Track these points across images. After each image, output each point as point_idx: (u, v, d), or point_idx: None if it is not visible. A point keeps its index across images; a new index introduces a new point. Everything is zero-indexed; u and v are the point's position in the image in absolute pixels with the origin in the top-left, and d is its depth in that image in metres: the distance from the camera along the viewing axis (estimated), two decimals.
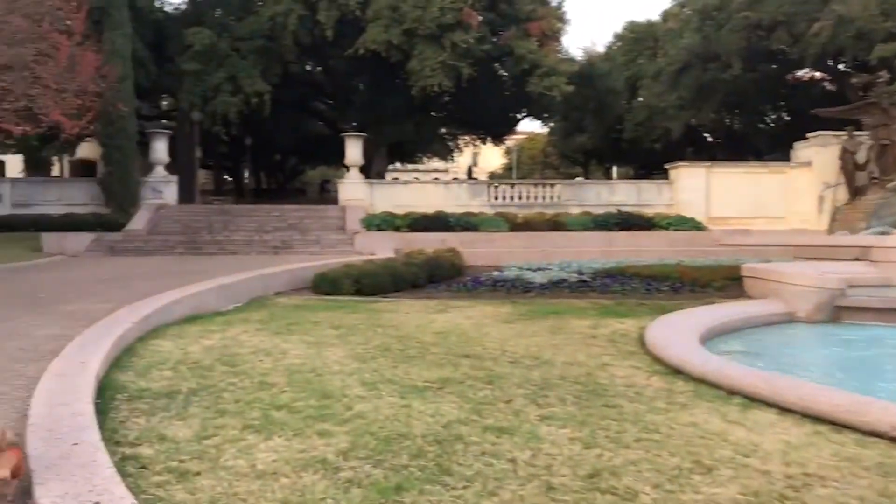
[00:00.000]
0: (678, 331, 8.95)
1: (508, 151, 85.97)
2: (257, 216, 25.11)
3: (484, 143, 53.48)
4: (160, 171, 26.76)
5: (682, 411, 5.82)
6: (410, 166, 77.15)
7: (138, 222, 23.42)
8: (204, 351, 7.74)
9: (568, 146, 61.01)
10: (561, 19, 33.23)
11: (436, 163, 78.57)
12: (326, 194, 66.39)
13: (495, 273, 15.97)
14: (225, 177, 61.39)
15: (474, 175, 73.98)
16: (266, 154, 57.07)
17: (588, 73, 39.25)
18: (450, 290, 14.49)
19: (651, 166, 55.15)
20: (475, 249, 20.73)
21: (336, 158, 73.88)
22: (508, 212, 26.02)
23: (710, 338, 9.17)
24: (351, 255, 19.08)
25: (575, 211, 26.65)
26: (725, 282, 15.07)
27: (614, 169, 67.14)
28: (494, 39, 30.49)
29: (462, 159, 75.53)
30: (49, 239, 19.29)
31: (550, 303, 12.93)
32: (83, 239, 19.54)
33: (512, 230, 24.42)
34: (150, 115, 37.75)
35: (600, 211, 26.46)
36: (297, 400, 5.75)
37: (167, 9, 34.40)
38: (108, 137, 24.79)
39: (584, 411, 5.72)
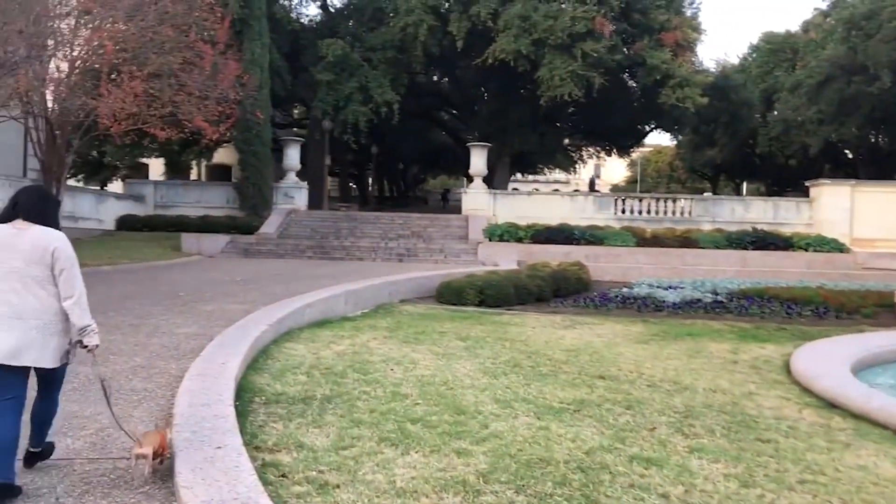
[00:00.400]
0: (827, 360, 8.31)
1: (633, 164, 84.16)
2: (382, 223, 25.47)
3: (609, 155, 52.47)
4: (292, 177, 27.63)
5: (846, 452, 5.32)
6: (531, 177, 76.92)
7: (270, 226, 24.21)
8: (336, 356, 7.75)
9: (697, 160, 58.92)
10: (696, 29, 32.08)
11: (557, 174, 77.93)
12: (448, 203, 67.06)
13: (624, 290, 15.47)
14: (350, 184, 62.83)
15: (597, 188, 72.78)
16: (389, 162, 58.27)
17: (721, 85, 37.83)
18: (576, 306, 14.11)
19: (785, 183, 52.53)
20: (600, 264, 20.21)
21: (457, 168, 74.59)
22: (635, 226, 25.27)
23: (861, 369, 8.46)
24: (474, 265, 19.01)
25: (706, 227, 25.62)
26: (876, 308, 14.04)
27: (744, 185, 64.45)
28: (626, 49, 29.77)
29: (584, 171, 74.44)
30: (188, 239, 20.28)
31: (684, 323, 12.37)
32: (219, 240, 20.44)
33: (639, 245, 23.66)
34: (283, 123, 39.19)
35: (733, 228, 25.30)
36: (432, 414, 5.61)
37: (302, 20, 35.59)
38: (245, 144, 25.80)
39: (736, 445, 5.32)
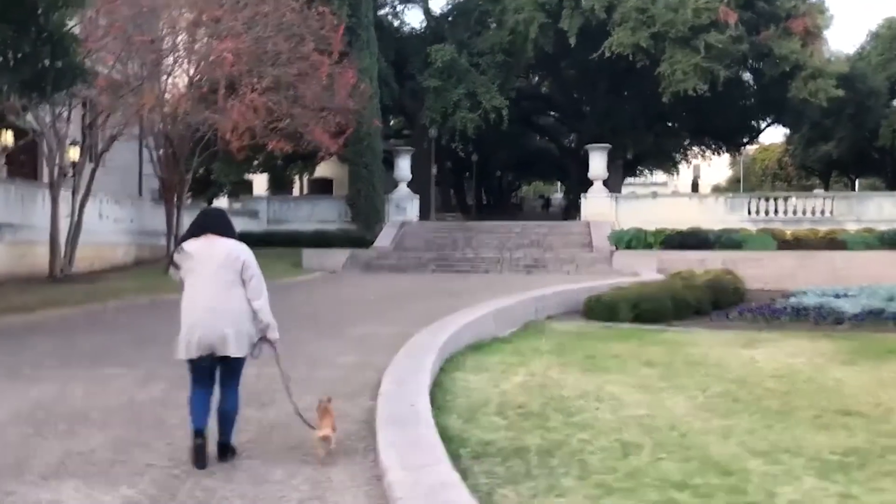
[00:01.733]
0: None
1: (734, 164, 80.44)
2: (499, 233, 24.45)
3: (717, 154, 50.11)
4: (404, 188, 26.98)
5: None
6: (629, 180, 74.46)
7: (384, 239, 23.56)
8: (521, 390, 6.72)
9: (809, 156, 55.66)
10: (824, 15, 29.87)
11: (655, 177, 75.20)
12: (550, 209, 65.61)
13: (792, 300, 13.93)
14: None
15: (699, 189, 69.59)
16: (487, 170, 57.25)
17: (848, 75, 35.23)
18: (742, 319, 12.69)
19: None
20: (741, 271, 18.64)
21: (551, 173, 73.13)
22: (772, 228, 23.42)
23: None
24: (610, 275, 17.75)
25: (850, 227, 23.52)
26: None
27: (856, 181, 60.56)
28: (752, 39, 27.85)
29: (684, 173, 71.12)
30: (309, 255, 19.77)
31: (874, 337, 10.87)
32: (339, 256, 19.84)
33: (780, 248, 21.84)
34: (386, 133, 38.70)
35: (883, 227, 23.12)
36: (691, 475, 4.46)
37: (406, 28, 35.07)
38: (357, 155, 25.31)
39: None
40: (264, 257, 18.37)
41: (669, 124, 36.89)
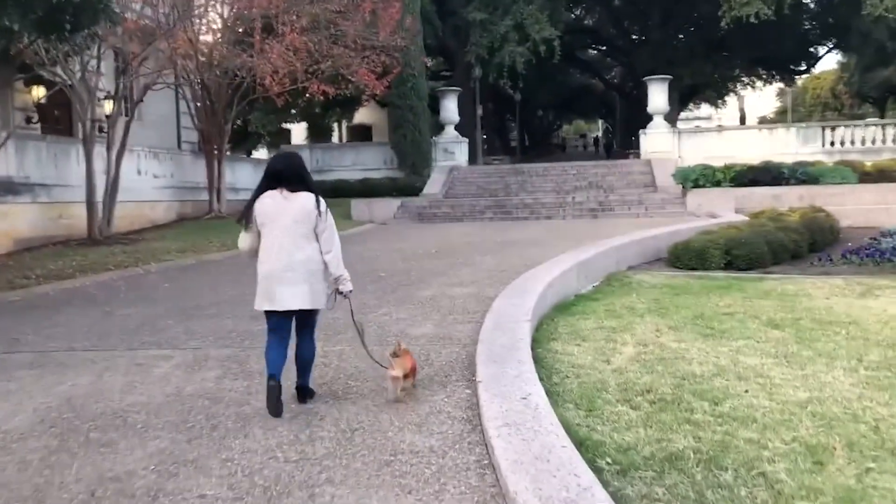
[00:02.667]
0: None
1: (782, 93, 76.91)
2: (553, 175, 23.09)
3: (770, 83, 47.63)
4: (451, 131, 25.63)
5: None
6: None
7: (434, 186, 22.37)
8: (639, 366, 5.55)
9: (867, 83, 52.70)
10: None
11: (699, 111, 72.33)
12: (597, 148, 63.61)
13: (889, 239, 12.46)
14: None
15: (745, 121, 66.51)
16: (529, 110, 55.23)
17: None
18: (848, 262, 11.34)
19: None
20: (827, 207, 17.12)
21: (592, 111, 70.69)
22: (851, 160, 21.68)
23: None
24: (685, 218, 16.39)
25: None
26: None
27: None
28: None
29: (730, 106, 67.68)
30: (357, 206, 18.59)
31: None
32: (390, 205, 18.62)
33: (861, 182, 20.19)
34: (428, 75, 37.04)
35: None
36: None
37: None
38: (401, 98, 23.97)
39: None
40: None
41: (726, 54, 34.62)
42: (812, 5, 30.75)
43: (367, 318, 7.12)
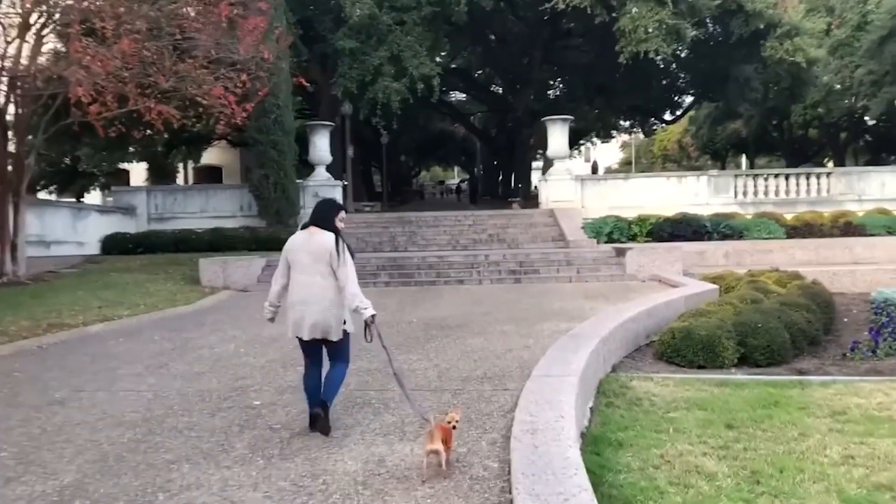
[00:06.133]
0: None
1: (625, 145, 78.56)
2: (445, 225, 19.77)
3: (642, 130, 47.43)
4: (322, 173, 21.79)
5: None
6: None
7: None
8: None
9: (716, 135, 53.92)
10: None
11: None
12: (461, 196, 61.38)
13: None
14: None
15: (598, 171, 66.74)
16: (392, 155, 52.31)
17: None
18: (891, 353, 8.52)
19: (800, 156, 48.29)
20: (748, 265, 14.99)
21: (452, 158, 68.85)
22: (768, 212, 19.81)
23: None
24: (626, 281, 13.41)
25: (852, 207, 20.25)
26: None
27: (743, 161, 59.64)
28: None
29: (581, 155, 67.14)
30: (208, 267, 14.14)
31: None
32: (251, 266, 14.30)
33: (790, 236, 18.25)
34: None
35: (887, 205, 20.03)
36: None
37: None
38: (262, 132, 19.94)
39: None
40: (143, 269, 12.13)
41: (606, 98, 33.00)
42: (704, 49, 29.61)
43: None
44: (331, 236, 4.86)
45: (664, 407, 6.41)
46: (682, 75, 34.36)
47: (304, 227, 4.99)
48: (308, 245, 4.87)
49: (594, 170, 66.70)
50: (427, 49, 24.51)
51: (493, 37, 32.31)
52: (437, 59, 28.19)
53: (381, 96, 23.38)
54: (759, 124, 45.78)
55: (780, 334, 8.24)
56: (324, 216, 5.01)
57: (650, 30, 22.02)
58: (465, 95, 48.64)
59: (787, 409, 6.27)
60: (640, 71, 26.32)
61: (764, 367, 8.07)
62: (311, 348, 5.00)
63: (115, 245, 19.41)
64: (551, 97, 29.61)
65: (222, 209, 21.54)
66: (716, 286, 11.31)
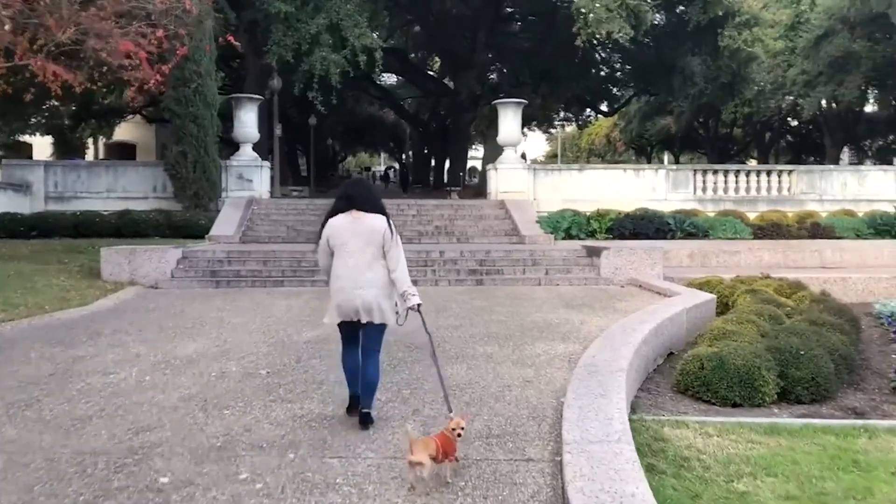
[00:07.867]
0: None
1: (552, 138, 77.98)
2: None
3: (581, 121, 46.46)
4: (248, 152, 19.50)
5: None
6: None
7: (226, 225, 16.25)
8: None
9: (645, 130, 53.67)
10: None
11: (479, 151, 70.99)
12: (388, 184, 59.42)
13: None
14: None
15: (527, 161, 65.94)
16: (319, 138, 49.89)
17: None
18: None
19: (726, 154, 48.75)
20: (715, 267, 13.77)
21: (379, 144, 66.86)
22: (729, 209, 18.68)
23: None
24: (600, 284, 11.85)
25: (813, 207, 19.38)
26: None
27: (665, 157, 59.92)
28: None
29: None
30: (111, 257, 11.84)
31: None
32: (164, 257, 12.04)
33: (756, 237, 17.11)
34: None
35: (849, 206, 19.22)
36: None
37: None
38: (180, 103, 17.59)
39: None
40: (34, 258, 9.32)
41: (551, 85, 31.53)
42: (653, 37, 28.39)
43: None
44: (383, 219, 4.77)
45: (721, 472, 4.80)
46: (627, 67, 33.33)
47: (338, 211, 4.79)
48: (356, 228, 4.72)
49: (524, 158, 65.73)
50: (367, 18, 22.45)
51: (432, 18, 30.41)
52: (376, 34, 26.21)
53: (319, 67, 21.21)
54: (688, 121, 45.57)
55: (826, 363, 6.73)
56: (369, 199, 4.90)
57: (611, 9, 20.58)
58: (396, 79, 46.64)
59: (877, 475, 4.80)
60: (584, 59, 25.03)
61: (807, 403, 6.57)
62: (351, 333, 4.88)
63: (4, 228, 16.75)
64: (495, 81, 27.88)
65: (133, 189, 19.05)
66: (712, 296, 9.82)
